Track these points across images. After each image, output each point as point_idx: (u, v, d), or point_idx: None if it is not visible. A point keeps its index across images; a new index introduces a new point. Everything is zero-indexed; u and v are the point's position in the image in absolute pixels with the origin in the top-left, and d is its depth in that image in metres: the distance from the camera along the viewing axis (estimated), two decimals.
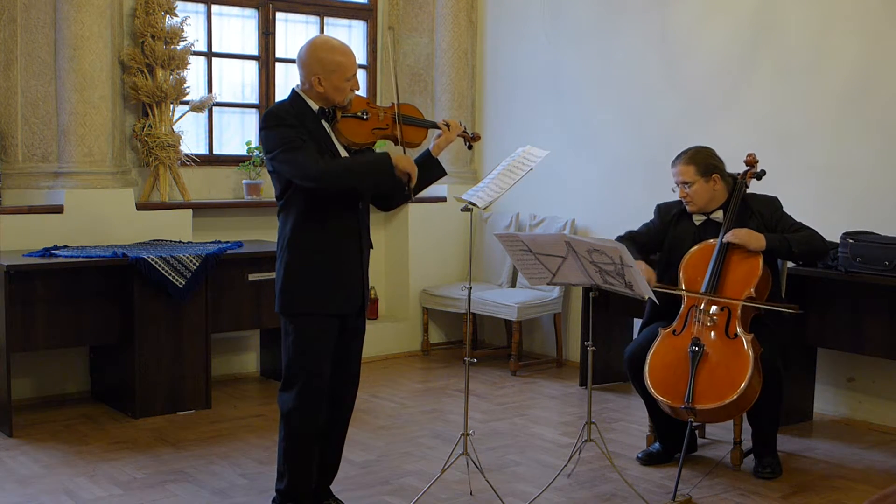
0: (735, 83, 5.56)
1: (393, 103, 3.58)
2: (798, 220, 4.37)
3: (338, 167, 3.40)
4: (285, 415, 3.53)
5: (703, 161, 4.34)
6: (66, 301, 4.95)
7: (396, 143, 3.62)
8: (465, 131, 3.73)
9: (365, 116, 3.51)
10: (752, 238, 4.21)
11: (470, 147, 3.84)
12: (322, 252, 3.47)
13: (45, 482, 4.14)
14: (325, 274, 3.47)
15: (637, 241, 4.48)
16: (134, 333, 5.03)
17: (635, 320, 5.75)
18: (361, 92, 3.63)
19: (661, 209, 4.59)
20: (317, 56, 3.44)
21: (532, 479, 4.22)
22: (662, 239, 4.51)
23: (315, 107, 3.48)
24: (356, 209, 3.56)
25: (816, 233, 4.33)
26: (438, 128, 3.70)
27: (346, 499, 3.87)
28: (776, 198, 4.44)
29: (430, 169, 3.68)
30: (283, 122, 3.40)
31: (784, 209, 4.41)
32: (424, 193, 3.89)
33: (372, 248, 3.70)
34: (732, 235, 4.22)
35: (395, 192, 3.65)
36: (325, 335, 3.50)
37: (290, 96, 3.53)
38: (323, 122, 3.49)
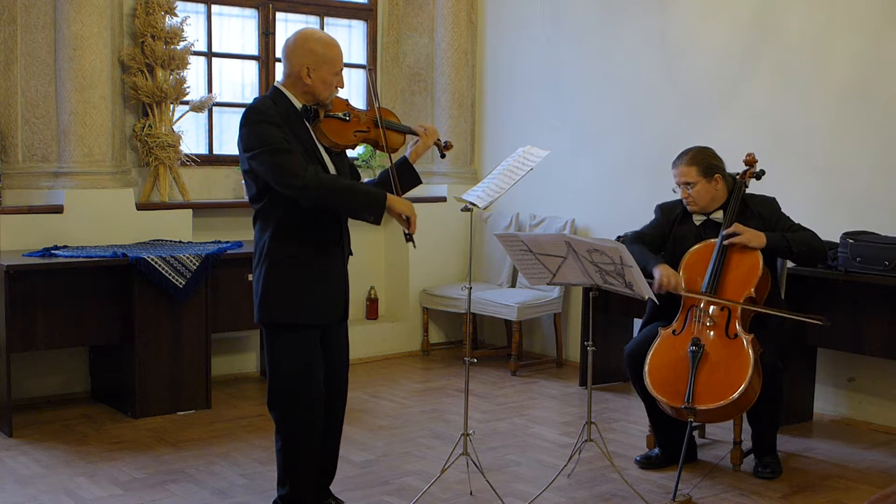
0: (735, 83, 5.56)
1: (372, 107, 3.57)
2: (797, 222, 4.37)
3: (326, 185, 3.28)
4: (282, 428, 3.50)
5: (704, 161, 4.34)
6: (66, 301, 4.95)
7: (377, 147, 3.61)
8: (438, 139, 3.71)
9: (347, 118, 3.49)
10: (752, 235, 4.21)
11: (443, 156, 3.80)
12: (304, 261, 3.40)
13: (45, 482, 4.14)
14: (308, 284, 3.41)
15: (647, 243, 4.46)
16: (134, 333, 5.03)
17: (635, 320, 5.75)
18: (360, 91, 3.63)
19: (664, 208, 4.58)
20: (307, 47, 3.39)
21: (532, 479, 4.22)
22: (666, 237, 4.51)
23: (298, 104, 3.42)
24: (339, 216, 3.50)
25: (816, 235, 4.32)
26: (416, 133, 3.68)
27: (346, 499, 3.87)
28: (774, 198, 4.44)
29: (407, 176, 3.63)
30: (266, 119, 3.31)
31: (783, 210, 4.41)
32: (424, 194, 3.87)
33: (352, 254, 3.64)
34: (734, 229, 4.21)
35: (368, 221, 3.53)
36: (310, 345, 3.45)
37: (271, 92, 3.45)
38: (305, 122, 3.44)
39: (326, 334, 3.56)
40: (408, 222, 3.42)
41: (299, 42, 3.41)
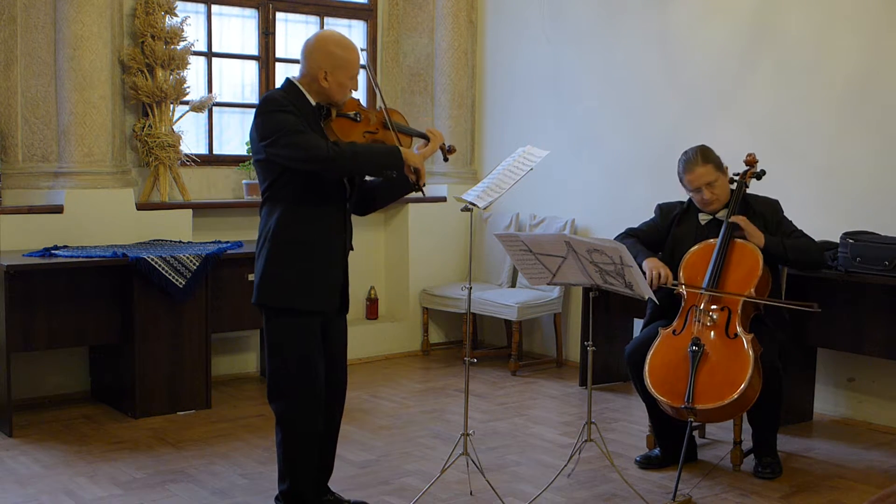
0: (735, 83, 5.56)
1: (380, 108, 3.60)
2: (798, 227, 4.37)
3: (349, 150, 3.35)
4: (283, 419, 3.51)
5: (714, 158, 4.35)
6: (66, 301, 4.95)
7: None
8: (443, 143, 3.75)
9: (358, 118, 3.54)
10: (754, 230, 4.22)
11: (446, 159, 3.83)
12: (307, 246, 3.44)
13: (45, 482, 4.14)
14: (309, 268, 3.45)
15: (641, 240, 4.48)
16: (134, 333, 5.03)
17: (635, 320, 5.75)
18: (361, 90, 3.64)
19: (663, 209, 4.59)
20: (327, 49, 3.44)
21: (532, 479, 4.22)
22: (663, 238, 4.52)
23: (312, 102, 3.47)
24: (344, 207, 3.56)
25: (814, 242, 4.34)
26: (423, 136, 3.71)
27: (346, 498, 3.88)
28: (777, 201, 4.44)
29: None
30: (283, 108, 3.36)
31: (784, 213, 4.41)
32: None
33: (352, 249, 3.67)
34: (739, 218, 4.21)
35: (399, 186, 3.65)
36: (310, 335, 3.47)
37: (285, 85, 3.49)
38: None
39: (326, 327, 3.57)
40: (417, 174, 3.52)
41: (319, 43, 3.46)
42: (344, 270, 3.59)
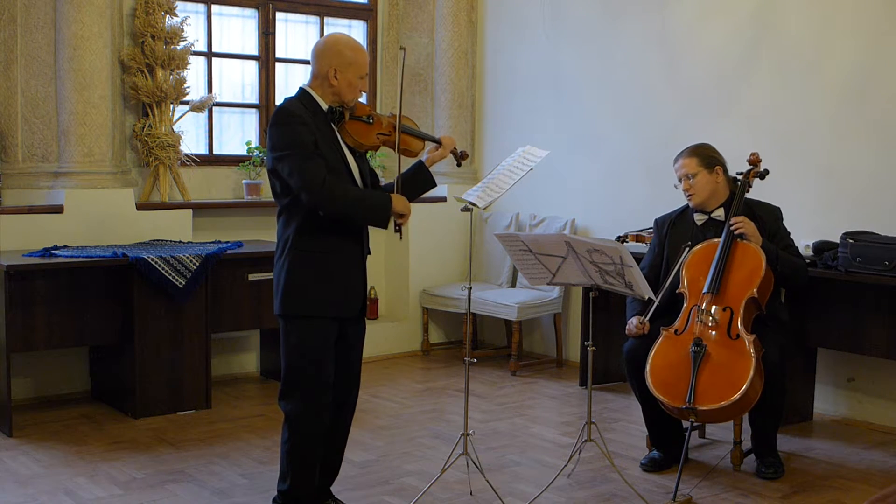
0: (735, 83, 5.56)
1: (393, 113, 3.64)
2: (793, 240, 4.40)
3: (338, 199, 3.38)
4: (290, 418, 3.53)
5: (705, 154, 4.38)
6: (66, 301, 4.94)
7: (395, 150, 3.66)
8: (455, 149, 3.78)
9: (370, 121, 3.60)
10: (755, 231, 4.22)
11: (459, 164, 3.86)
12: (327, 255, 3.48)
13: (45, 482, 4.14)
14: (330, 277, 3.48)
15: (655, 267, 4.48)
16: (134, 333, 5.03)
17: None
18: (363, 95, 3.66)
19: (657, 224, 4.61)
20: (337, 49, 3.49)
21: (532, 479, 4.22)
22: (663, 251, 4.53)
23: (325, 105, 3.50)
24: None
25: (803, 264, 4.40)
26: (434, 141, 3.74)
27: (346, 499, 3.88)
28: (779, 208, 4.45)
29: (422, 179, 3.72)
30: (296, 120, 3.39)
31: (786, 218, 4.42)
32: (424, 194, 3.91)
33: (370, 253, 3.71)
34: (741, 221, 4.22)
35: (414, 188, 3.73)
36: (327, 338, 3.51)
37: (298, 93, 3.53)
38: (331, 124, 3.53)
39: (344, 331, 3.59)
40: (402, 217, 3.58)
41: (329, 44, 3.51)
42: (363, 275, 3.62)
